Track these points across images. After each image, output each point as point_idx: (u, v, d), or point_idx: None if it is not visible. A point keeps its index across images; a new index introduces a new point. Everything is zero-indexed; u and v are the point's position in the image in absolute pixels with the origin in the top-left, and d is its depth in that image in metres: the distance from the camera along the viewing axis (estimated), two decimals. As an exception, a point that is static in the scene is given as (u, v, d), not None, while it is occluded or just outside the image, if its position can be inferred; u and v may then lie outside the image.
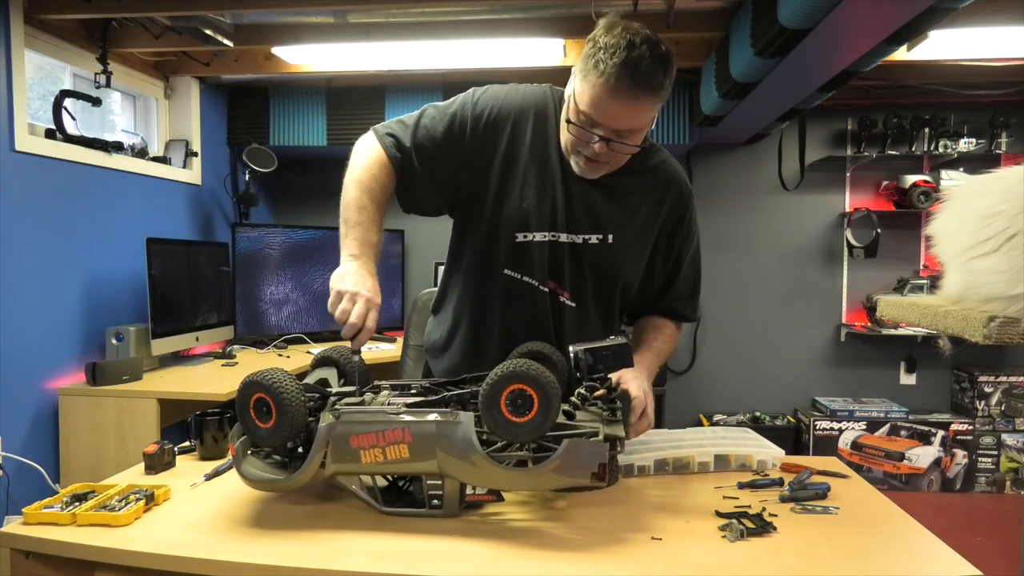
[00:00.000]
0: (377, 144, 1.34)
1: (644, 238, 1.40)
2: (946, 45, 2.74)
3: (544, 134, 1.33)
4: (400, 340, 2.57)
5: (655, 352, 1.43)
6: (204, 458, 1.46)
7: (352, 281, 1.21)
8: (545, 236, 1.33)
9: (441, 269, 1.55)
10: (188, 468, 1.40)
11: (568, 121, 1.24)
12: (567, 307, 1.38)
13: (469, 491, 1.16)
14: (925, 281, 3.70)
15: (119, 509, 1.13)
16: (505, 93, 1.35)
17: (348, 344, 1.25)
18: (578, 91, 1.21)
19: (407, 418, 1.09)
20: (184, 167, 3.36)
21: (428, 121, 1.34)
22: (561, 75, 3.41)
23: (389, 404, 1.15)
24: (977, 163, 3.68)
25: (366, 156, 1.33)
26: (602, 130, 1.20)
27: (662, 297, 1.49)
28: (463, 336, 1.44)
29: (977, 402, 3.68)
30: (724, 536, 1.06)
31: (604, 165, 1.28)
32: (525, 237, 1.33)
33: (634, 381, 1.25)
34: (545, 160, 1.32)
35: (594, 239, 1.35)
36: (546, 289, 1.36)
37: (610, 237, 1.35)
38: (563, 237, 1.34)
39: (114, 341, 2.67)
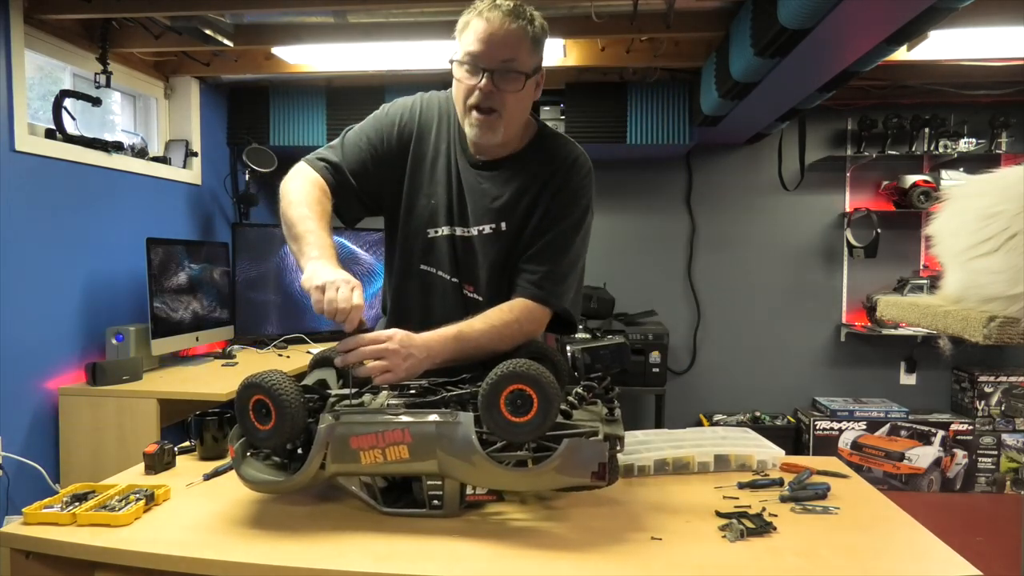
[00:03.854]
0: (309, 169, 1.42)
1: (529, 215, 1.38)
2: (946, 45, 2.74)
3: (447, 134, 1.44)
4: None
5: (461, 327, 1.28)
6: (204, 458, 1.46)
7: (325, 274, 1.19)
8: (447, 231, 1.41)
9: None
10: (188, 468, 1.40)
11: (454, 76, 1.34)
12: (473, 300, 1.42)
13: (469, 491, 1.16)
14: (925, 281, 3.70)
15: (119, 509, 1.13)
16: (412, 101, 1.48)
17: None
18: (459, 43, 1.33)
19: (407, 419, 1.09)
20: (184, 167, 3.36)
21: (352, 137, 1.45)
22: (561, 75, 3.43)
23: (388, 405, 1.15)
24: (977, 163, 3.67)
25: (300, 183, 1.39)
26: (484, 63, 1.29)
27: (521, 263, 1.38)
28: None
29: (977, 402, 3.68)
30: (724, 536, 1.06)
31: (497, 118, 1.32)
32: (436, 232, 1.42)
33: (397, 332, 1.21)
34: (448, 157, 1.42)
35: (487, 229, 1.40)
36: (456, 281, 1.42)
37: (503, 224, 1.40)
38: (459, 231, 1.41)
39: (114, 341, 2.66)
